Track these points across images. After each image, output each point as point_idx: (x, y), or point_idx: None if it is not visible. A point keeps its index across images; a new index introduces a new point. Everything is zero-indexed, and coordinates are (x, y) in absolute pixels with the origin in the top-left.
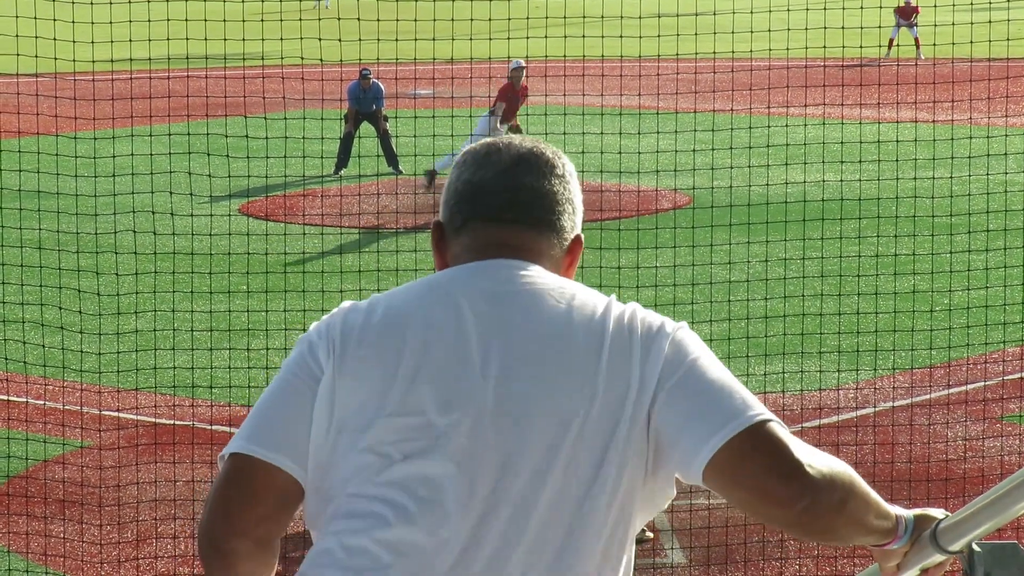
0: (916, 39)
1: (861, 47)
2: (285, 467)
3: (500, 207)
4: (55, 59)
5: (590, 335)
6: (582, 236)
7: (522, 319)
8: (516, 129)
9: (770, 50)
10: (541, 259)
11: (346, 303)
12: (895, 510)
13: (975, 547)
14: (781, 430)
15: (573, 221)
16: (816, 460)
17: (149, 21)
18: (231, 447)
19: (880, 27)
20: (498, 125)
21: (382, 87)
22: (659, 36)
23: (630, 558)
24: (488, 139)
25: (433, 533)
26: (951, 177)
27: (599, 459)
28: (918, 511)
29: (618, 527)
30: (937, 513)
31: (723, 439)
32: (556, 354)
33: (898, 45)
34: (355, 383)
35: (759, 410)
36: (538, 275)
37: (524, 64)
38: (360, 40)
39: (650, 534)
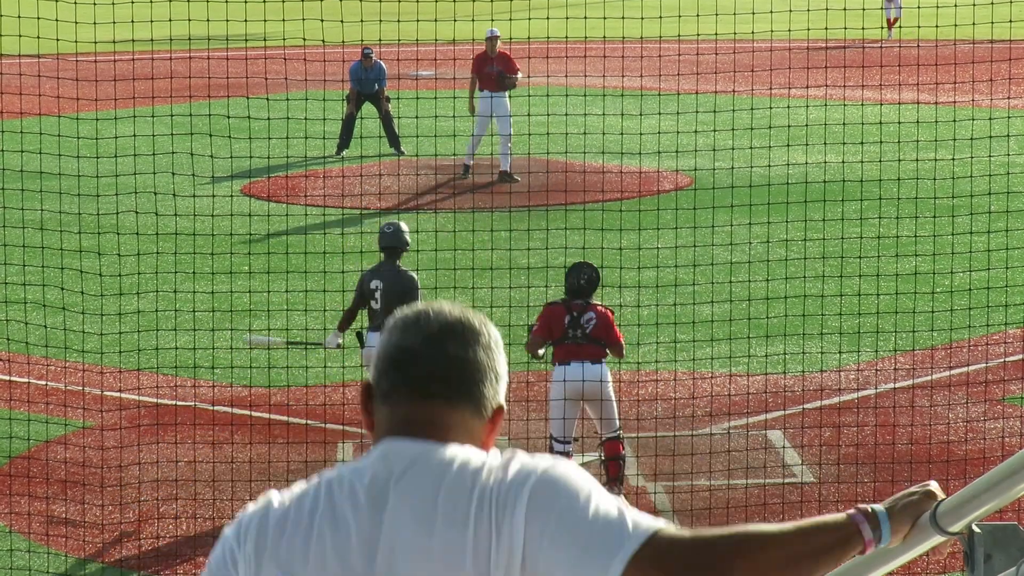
0: (890, 20)
1: (863, 28)
2: None
3: (423, 379)
4: (57, 40)
5: (457, 515)
6: (504, 406)
7: (400, 517)
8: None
9: (772, 31)
10: (454, 432)
11: (263, 502)
12: (857, 509)
13: (975, 528)
14: (672, 531)
15: (495, 389)
16: (712, 540)
17: (151, 1)
18: None
19: (882, 8)
20: (483, 107)
21: (384, 67)
22: (661, 17)
23: None
24: (420, 305)
25: None
26: (953, 159)
27: None
28: (900, 497)
29: None
30: (918, 490)
31: (620, 567)
32: (434, 541)
33: (900, 27)
34: None
35: (646, 524)
36: (431, 457)
37: (496, 33)
38: (362, 21)
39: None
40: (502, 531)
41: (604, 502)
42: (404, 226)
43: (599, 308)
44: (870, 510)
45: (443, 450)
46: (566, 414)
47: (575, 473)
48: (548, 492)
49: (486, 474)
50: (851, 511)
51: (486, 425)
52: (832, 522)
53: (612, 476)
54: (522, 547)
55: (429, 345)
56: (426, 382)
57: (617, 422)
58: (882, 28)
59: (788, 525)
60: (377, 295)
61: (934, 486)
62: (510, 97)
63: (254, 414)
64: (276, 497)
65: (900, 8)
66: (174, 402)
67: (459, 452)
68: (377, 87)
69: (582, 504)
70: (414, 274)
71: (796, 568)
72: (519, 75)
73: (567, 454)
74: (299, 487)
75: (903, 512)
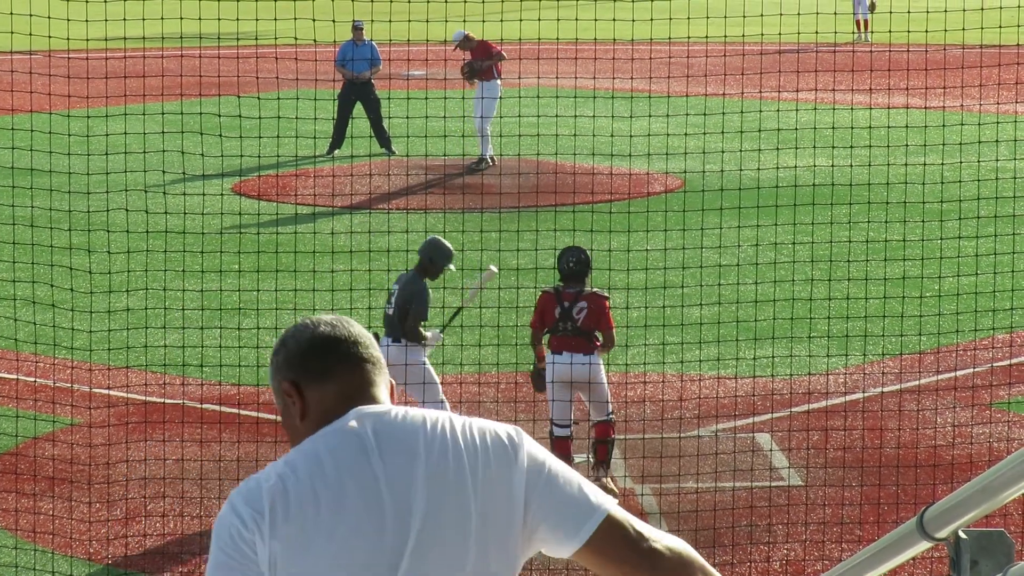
0: (859, 20)
1: (853, 32)
2: None
3: (354, 348)
4: (49, 37)
5: (468, 456)
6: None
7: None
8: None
9: (762, 34)
10: (385, 392)
11: (253, 483)
12: None
13: (961, 534)
14: (624, 513)
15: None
16: (658, 536)
17: (143, 0)
18: None
19: (873, 14)
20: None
21: (376, 47)
22: (652, 20)
23: None
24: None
25: None
26: (942, 163)
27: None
28: None
29: None
30: None
31: (588, 532)
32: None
33: (890, 31)
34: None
35: (603, 500)
36: (396, 417)
37: (459, 36)
38: (354, 20)
39: (614, 488)
40: (511, 480)
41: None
42: (440, 243)
43: (593, 296)
44: None
45: (401, 408)
46: (558, 396)
47: None
48: (536, 451)
49: (458, 422)
50: None
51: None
52: None
53: (600, 459)
54: (523, 494)
55: (337, 329)
56: (357, 349)
57: (609, 405)
58: (853, 33)
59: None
60: (392, 299)
61: None
62: (501, 97)
63: (242, 412)
64: (266, 477)
65: (867, 11)
66: (162, 400)
67: (420, 412)
68: (370, 69)
69: (563, 466)
70: (426, 285)
71: None
72: (497, 57)
73: (567, 437)
74: (279, 466)
75: None
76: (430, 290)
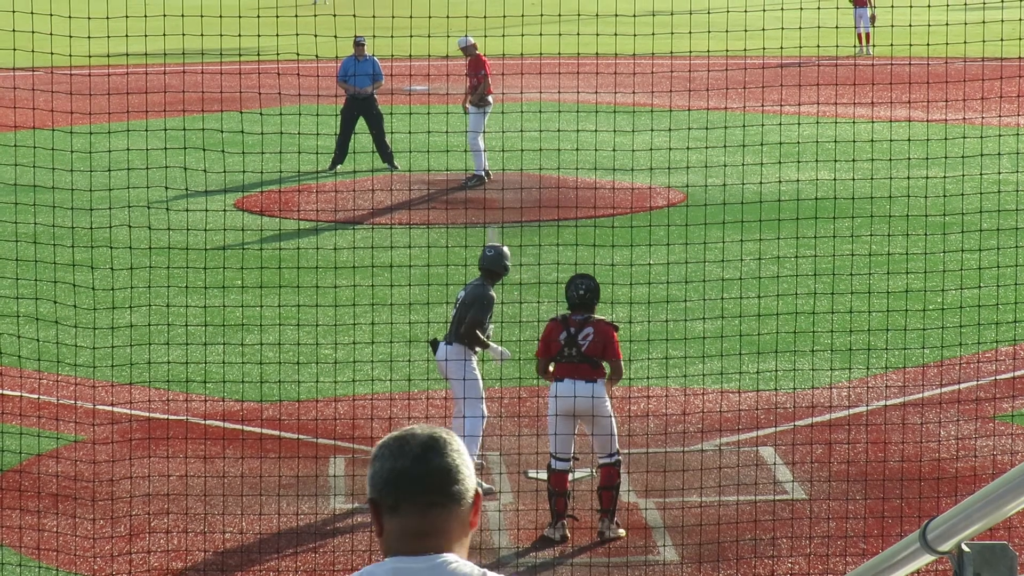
0: (860, 34)
1: (855, 46)
2: None
3: (420, 491)
4: (52, 53)
5: None
6: (480, 490)
7: None
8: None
9: (764, 48)
10: (453, 531)
11: None
12: None
13: (964, 547)
14: None
15: (470, 480)
16: None
17: (145, 16)
18: None
19: (874, 27)
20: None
21: (377, 62)
22: (653, 34)
23: None
24: (397, 432)
25: None
26: (945, 176)
27: None
28: None
29: None
30: None
31: None
32: None
33: (891, 44)
34: None
35: None
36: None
37: (462, 44)
38: (356, 35)
39: (622, 531)
40: None
41: None
42: (506, 251)
43: (600, 324)
44: None
45: (440, 569)
46: (560, 430)
47: None
48: None
49: None
50: None
51: (471, 509)
52: None
53: (605, 507)
54: None
55: (417, 464)
56: (424, 494)
57: (614, 443)
58: (855, 46)
59: None
60: (456, 305)
61: None
62: (497, 112)
63: (246, 428)
64: None
65: (868, 24)
66: (166, 416)
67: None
68: (372, 85)
69: None
70: (491, 293)
71: None
72: (483, 84)
73: (565, 471)
74: None
75: None
76: (494, 298)
